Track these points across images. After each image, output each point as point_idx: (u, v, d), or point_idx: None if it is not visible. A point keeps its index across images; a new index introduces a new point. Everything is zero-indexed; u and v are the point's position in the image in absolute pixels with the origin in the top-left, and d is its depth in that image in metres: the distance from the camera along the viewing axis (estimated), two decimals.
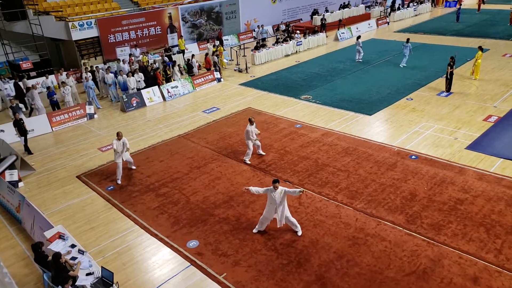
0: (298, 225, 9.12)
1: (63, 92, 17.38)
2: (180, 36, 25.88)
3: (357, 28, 30.68)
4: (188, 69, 21.30)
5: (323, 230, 9.22)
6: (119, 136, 11.70)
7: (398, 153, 12.42)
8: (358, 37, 23.15)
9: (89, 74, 18.80)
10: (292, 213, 9.32)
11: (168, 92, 19.07)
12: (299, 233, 9.07)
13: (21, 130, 13.83)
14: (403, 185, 10.73)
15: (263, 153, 12.89)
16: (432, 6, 40.01)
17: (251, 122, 12.18)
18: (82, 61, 22.48)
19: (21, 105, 16.22)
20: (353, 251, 8.51)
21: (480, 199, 9.93)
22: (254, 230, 9.28)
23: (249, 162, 12.47)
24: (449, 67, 16.88)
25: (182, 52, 24.79)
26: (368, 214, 9.66)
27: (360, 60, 22.82)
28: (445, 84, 17.43)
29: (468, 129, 13.71)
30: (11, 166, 12.01)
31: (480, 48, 18.15)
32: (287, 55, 25.46)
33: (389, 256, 8.30)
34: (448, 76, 17.09)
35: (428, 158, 12.02)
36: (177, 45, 25.97)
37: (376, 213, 9.67)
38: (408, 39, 21.17)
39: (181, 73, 21.30)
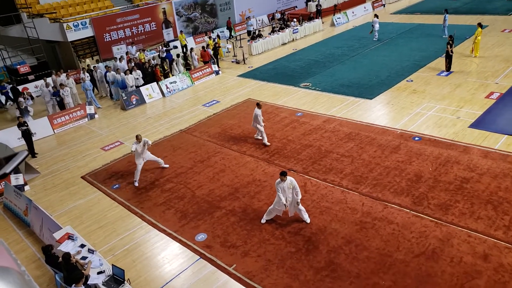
0: (306, 213, 9.12)
1: (62, 93, 17.34)
2: (180, 32, 25.79)
3: (353, 12, 30.41)
4: (185, 62, 21.22)
5: (330, 216, 9.23)
6: (138, 138, 11.20)
7: (401, 136, 12.38)
8: (375, 16, 23.58)
9: (87, 74, 18.72)
10: None
11: (167, 87, 19.01)
12: (308, 221, 9.08)
13: (26, 133, 13.86)
14: (407, 167, 10.71)
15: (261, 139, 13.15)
16: None
17: (258, 106, 12.40)
18: (83, 61, 22.36)
19: (30, 109, 16.25)
20: (361, 235, 8.53)
21: (486, 177, 9.90)
22: (262, 221, 9.29)
23: (268, 144, 12.75)
24: (449, 46, 16.74)
25: (185, 46, 24.64)
26: (374, 198, 9.65)
27: (375, 39, 23.25)
28: (444, 64, 17.30)
29: (471, 107, 13.63)
30: (16, 170, 12.05)
31: (480, 25, 17.94)
32: (284, 44, 25.28)
33: (397, 238, 8.31)
34: (448, 55, 16.95)
35: (432, 138, 11.97)
36: (173, 40, 25.84)
37: (382, 197, 9.66)
38: (446, 10, 21.85)
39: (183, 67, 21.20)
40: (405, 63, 18.90)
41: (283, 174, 8.68)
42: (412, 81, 16.68)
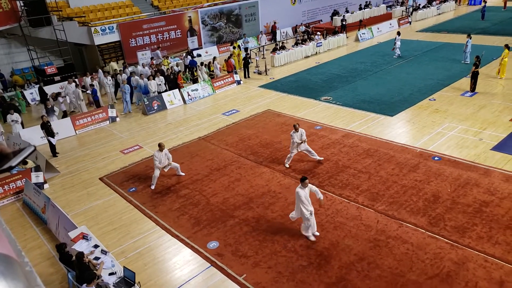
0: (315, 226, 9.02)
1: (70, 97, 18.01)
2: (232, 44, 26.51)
3: (378, 29, 30.31)
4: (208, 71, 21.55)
5: (344, 232, 9.12)
6: (161, 147, 11.48)
7: (421, 155, 12.18)
8: (398, 33, 23.66)
9: (109, 78, 19.10)
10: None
11: (189, 95, 19.26)
12: (316, 233, 8.98)
13: (49, 132, 14.27)
14: (425, 187, 10.51)
15: (321, 158, 12.24)
16: (456, 4, 39.15)
17: (295, 129, 11.67)
18: (111, 65, 22.87)
19: (56, 108, 16.73)
20: (374, 253, 8.39)
21: (507, 201, 9.63)
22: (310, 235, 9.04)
23: (287, 166, 12.20)
24: (474, 67, 16.47)
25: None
26: (390, 216, 9.50)
27: (397, 56, 23.24)
28: (469, 84, 17.00)
29: (494, 129, 13.33)
30: (37, 168, 12.37)
31: (507, 47, 17.64)
32: (307, 57, 25.35)
33: (411, 258, 8.14)
34: (474, 75, 16.66)
35: (452, 159, 11.74)
36: (197, 48, 26.28)
37: (397, 215, 9.50)
38: (469, 34, 21.21)
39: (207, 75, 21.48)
40: (429, 81, 18.67)
41: (304, 180, 8.53)
42: (435, 100, 16.45)
